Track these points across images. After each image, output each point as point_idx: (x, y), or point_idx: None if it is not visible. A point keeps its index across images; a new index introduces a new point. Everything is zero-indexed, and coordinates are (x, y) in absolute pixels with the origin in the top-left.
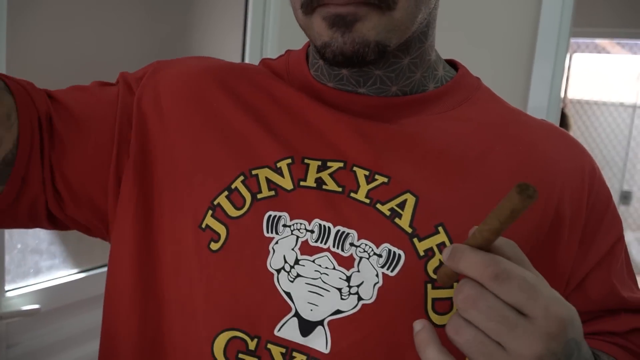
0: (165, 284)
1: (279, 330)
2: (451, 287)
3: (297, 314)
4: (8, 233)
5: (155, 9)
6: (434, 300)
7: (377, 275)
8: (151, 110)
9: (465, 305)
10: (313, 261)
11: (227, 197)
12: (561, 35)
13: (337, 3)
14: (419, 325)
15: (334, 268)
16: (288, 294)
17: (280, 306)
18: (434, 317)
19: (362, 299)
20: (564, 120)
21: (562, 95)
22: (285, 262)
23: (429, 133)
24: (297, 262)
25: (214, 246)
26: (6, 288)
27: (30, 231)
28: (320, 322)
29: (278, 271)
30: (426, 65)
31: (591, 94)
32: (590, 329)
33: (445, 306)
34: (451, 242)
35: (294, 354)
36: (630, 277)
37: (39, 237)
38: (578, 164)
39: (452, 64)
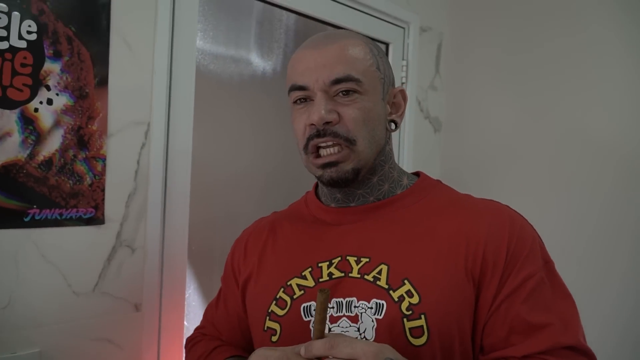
0: None
1: None
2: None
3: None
4: None
5: None
6: (410, 328)
7: (372, 321)
8: (243, 271)
9: None
10: (338, 325)
11: (275, 304)
12: None
13: (325, 147)
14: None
15: (350, 325)
16: None
17: None
18: (412, 339)
19: (368, 339)
20: None
21: None
22: None
23: (394, 222)
24: (329, 331)
25: (274, 339)
26: None
27: None
28: None
29: None
30: (391, 179)
31: None
32: (495, 356)
33: (417, 332)
34: (414, 288)
35: None
36: (545, 306)
37: None
38: (500, 226)
39: (417, 174)
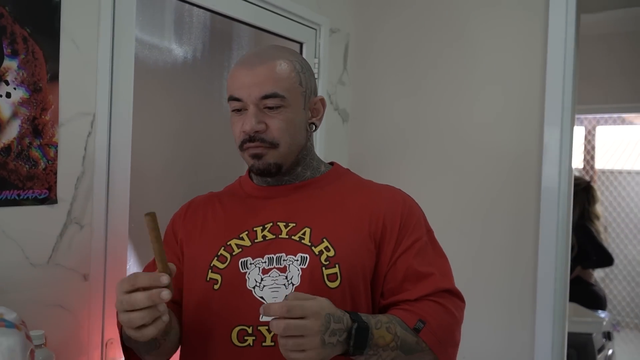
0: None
1: (262, 318)
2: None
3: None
4: None
5: None
6: (327, 275)
7: (298, 270)
8: (182, 235)
9: (278, 330)
10: (269, 276)
11: (217, 260)
12: (564, 111)
13: (252, 147)
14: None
15: (279, 275)
16: (262, 297)
17: (259, 305)
18: (328, 283)
19: (294, 284)
20: (589, 191)
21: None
22: (256, 282)
23: (314, 197)
24: (262, 280)
25: (216, 287)
26: None
27: None
28: None
29: (253, 288)
30: (312, 168)
31: (619, 163)
32: (393, 299)
33: (333, 277)
34: (331, 245)
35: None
36: (429, 262)
37: None
38: (396, 201)
39: (332, 163)
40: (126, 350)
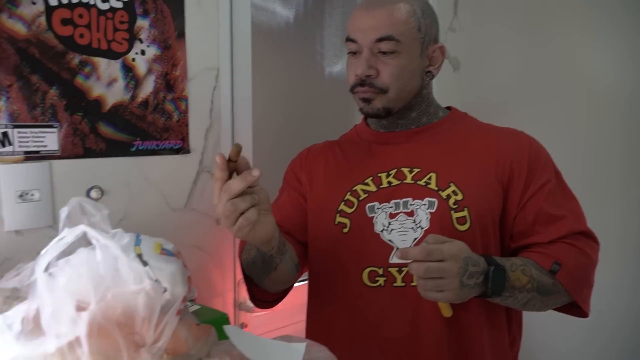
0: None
1: (391, 259)
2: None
3: (397, 249)
4: None
5: None
6: (456, 218)
7: (426, 214)
8: (304, 177)
9: (419, 273)
10: (397, 220)
11: (344, 204)
12: None
13: (362, 91)
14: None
15: (406, 219)
16: (390, 240)
17: (388, 248)
18: (458, 227)
19: (423, 228)
20: None
21: None
22: (383, 226)
23: (437, 142)
24: (389, 224)
25: (345, 230)
26: None
27: None
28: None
29: (381, 231)
30: (428, 114)
31: None
32: (524, 242)
33: (462, 221)
34: (458, 189)
35: (402, 268)
36: (560, 204)
37: None
38: (522, 143)
39: (449, 108)
40: (249, 283)
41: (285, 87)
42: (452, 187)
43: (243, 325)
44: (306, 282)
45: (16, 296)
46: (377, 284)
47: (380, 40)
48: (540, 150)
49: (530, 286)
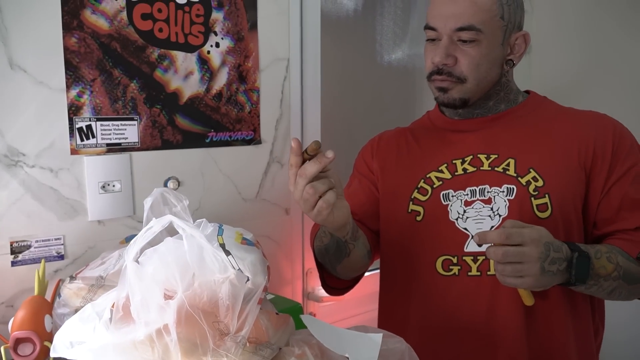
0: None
1: (466, 248)
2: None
3: (472, 237)
4: None
5: None
6: (536, 205)
7: (505, 201)
8: (376, 165)
9: (497, 257)
10: (472, 208)
11: (417, 192)
12: None
13: (439, 80)
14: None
15: (483, 207)
16: (465, 229)
17: (463, 236)
18: (538, 213)
19: (501, 215)
20: None
21: None
22: (458, 214)
23: (515, 127)
24: (464, 212)
25: (418, 218)
26: None
27: None
28: None
29: (456, 219)
30: (507, 101)
31: None
32: (609, 229)
33: (543, 207)
34: (538, 175)
35: (478, 257)
36: None
37: None
38: (605, 126)
39: (528, 92)
40: (321, 270)
41: (351, 76)
42: (532, 173)
43: (312, 315)
44: (374, 272)
45: (101, 284)
46: (451, 272)
47: (461, 29)
48: (625, 133)
49: (617, 274)
